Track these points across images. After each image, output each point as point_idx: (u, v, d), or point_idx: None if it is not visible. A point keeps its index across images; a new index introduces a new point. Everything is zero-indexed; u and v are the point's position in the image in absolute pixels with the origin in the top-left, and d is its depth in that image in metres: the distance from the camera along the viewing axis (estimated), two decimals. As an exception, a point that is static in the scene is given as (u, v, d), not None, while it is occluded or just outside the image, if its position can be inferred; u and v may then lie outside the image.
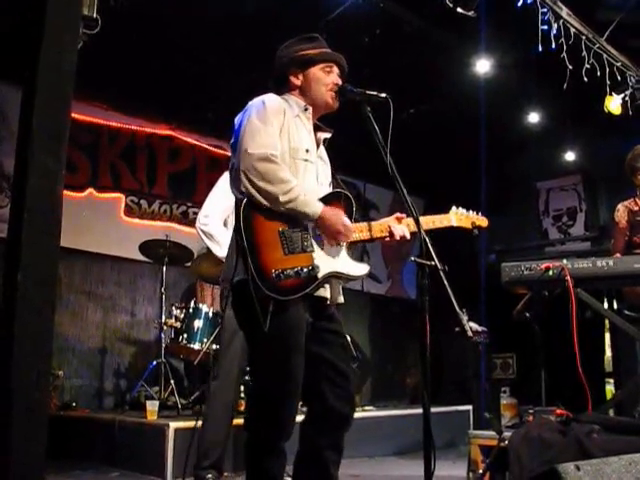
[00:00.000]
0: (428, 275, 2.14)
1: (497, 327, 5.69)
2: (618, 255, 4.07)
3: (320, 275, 2.19)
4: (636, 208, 4.34)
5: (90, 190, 5.82)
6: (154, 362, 5.02)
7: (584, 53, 4.76)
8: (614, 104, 5.24)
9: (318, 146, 2.44)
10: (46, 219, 1.99)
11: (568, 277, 3.46)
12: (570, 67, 4.63)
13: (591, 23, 4.89)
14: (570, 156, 7.12)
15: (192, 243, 5.15)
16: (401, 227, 2.38)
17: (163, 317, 5.02)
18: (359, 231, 2.34)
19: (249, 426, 2.24)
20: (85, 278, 5.78)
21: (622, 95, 5.27)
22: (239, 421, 3.51)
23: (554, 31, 4.48)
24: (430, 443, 2.03)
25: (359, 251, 7.13)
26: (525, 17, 4.42)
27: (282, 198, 2.13)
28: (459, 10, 4.19)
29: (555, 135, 6.77)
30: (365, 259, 7.58)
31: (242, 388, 4.45)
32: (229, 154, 2.34)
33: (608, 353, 5.77)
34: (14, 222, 1.98)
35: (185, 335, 4.85)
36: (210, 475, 3.27)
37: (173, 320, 4.96)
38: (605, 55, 4.97)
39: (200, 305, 4.96)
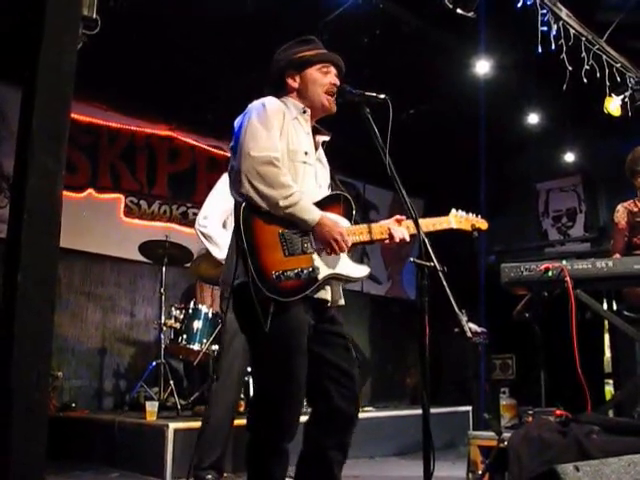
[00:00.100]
0: (428, 276, 2.14)
1: (497, 328, 5.69)
2: (617, 256, 4.07)
3: (320, 277, 2.18)
4: (636, 209, 4.34)
5: (90, 191, 5.82)
6: (153, 363, 5.02)
7: (584, 54, 4.77)
8: (614, 105, 5.25)
9: (317, 149, 2.44)
10: (46, 220, 1.99)
11: (568, 278, 3.46)
12: (570, 68, 4.63)
13: (591, 24, 4.89)
14: (570, 157, 7.13)
15: (192, 244, 5.15)
16: (401, 229, 2.38)
17: (162, 318, 5.02)
18: (359, 233, 2.33)
19: (251, 427, 2.24)
20: (85, 279, 5.78)
21: (622, 96, 5.27)
22: (239, 422, 3.51)
23: (554, 32, 4.49)
24: (429, 444, 2.03)
25: (359, 252, 7.13)
26: (525, 18, 4.42)
27: (282, 203, 2.13)
28: (459, 11, 4.20)
29: (555, 136, 6.78)
30: (365, 260, 7.58)
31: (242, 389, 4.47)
32: (229, 155, 2.34)
33: (607, 354, 5.77)
34: (14, 223, 1.98)
35: (184, 336, 4.86)
36: (210, 475, 3.27)
37: (172, 321, 4.96)
38: (605, 56, 4.97)
39: (199, 306, 4.97)
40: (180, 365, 5.39)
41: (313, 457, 2.28)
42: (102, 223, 5.83)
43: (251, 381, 4.51)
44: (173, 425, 3.83)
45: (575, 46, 4.69)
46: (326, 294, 2.29)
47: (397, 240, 2.36)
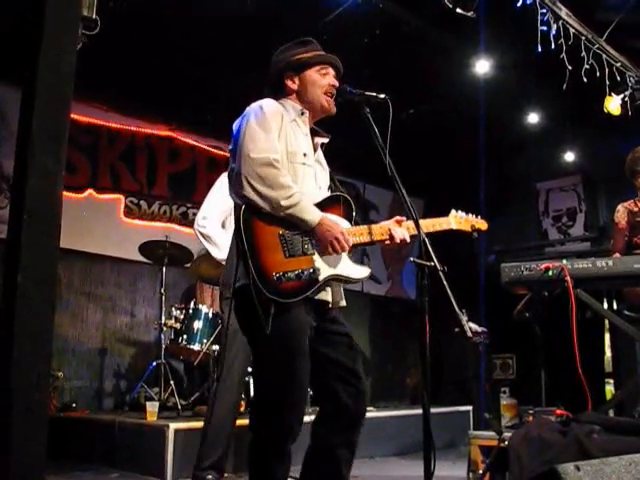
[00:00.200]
0: (428, 276, 2.14)
1: (497, 327, 5.68)
2: (618, 255, 4.07)
3: (321, 278, 2.18)
4: (636, 209, 4.34)
5: (90, 191, 5.82)
6: (154, 363, 5.01)
7: (583, 53, 4.77)
8: (613, 104, 5.25)
9: (315, 150, 2.44)
10: (46, 220, 1.99)
11: (568, 277, 3.46)
12: (569, 67, 4.64)
13: (590, 23, 4.89)
14: (570, 156, 7.12)
15: (192, 244, 5.15)
16: (401, 230, 2.38)
17: (163, 318, 5.02)
18: (359, 234, 2.33)
19: (253, 427, 2.24)
20: (85, 279, 5.78)
21: (621, 95, 5.27)
22: (241, 422, 3.51)
23: (553, 32, 4.49)
24: (430, 444, 2.03)
25: (359, 253, 7.13)
26: (524, 18, 4.42)
27: (283, 203, 2.13)
28: (458, 11, 4.20)
29: (555, 135, 6.77)
30: (365, 260, 7.58)
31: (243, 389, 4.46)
32: (229, 155, 2.34)
33: (608, 353, 5.77)
34: (14, 223, 1.98)
35: (185, 336, 4.86)
36: (210, 476, 3.27)
37: (173, 321, 4.96)
38: (604, 55, 4.97)
39: (200, 306, 4.97)
40: (180, 365, 5.38)
41: (320, 456, 2.28)
42: (102, 223, 5.83)
43: (252, 381, 4.51)
44: (174, 425, 3.82)
45: (575, 45, 4.69)
46: (327, 295, 2.29)
47: (398, 241, 2.36)
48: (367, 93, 2.37)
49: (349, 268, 2.30)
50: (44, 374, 1.93)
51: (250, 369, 3.96)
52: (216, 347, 4.61)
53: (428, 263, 2.14)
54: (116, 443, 4.19)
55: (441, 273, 2.12)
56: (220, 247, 3.82)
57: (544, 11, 4.44)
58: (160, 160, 6.35)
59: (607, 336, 5.66)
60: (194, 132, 6.52)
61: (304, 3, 4.65)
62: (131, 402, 5.12)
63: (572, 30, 4.67)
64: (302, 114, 2.39)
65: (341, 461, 2.25)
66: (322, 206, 2.27)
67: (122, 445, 4.15)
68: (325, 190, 2.44)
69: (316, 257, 2.20)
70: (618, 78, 5.17)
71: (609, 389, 5.58)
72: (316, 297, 2.22)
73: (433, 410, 2.19)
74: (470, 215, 2.68)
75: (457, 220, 2.62)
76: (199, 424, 3.44)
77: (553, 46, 4.51)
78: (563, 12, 4.59)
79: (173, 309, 5.04)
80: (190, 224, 6.01)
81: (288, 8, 4.61)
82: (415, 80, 5.62)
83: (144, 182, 6.22)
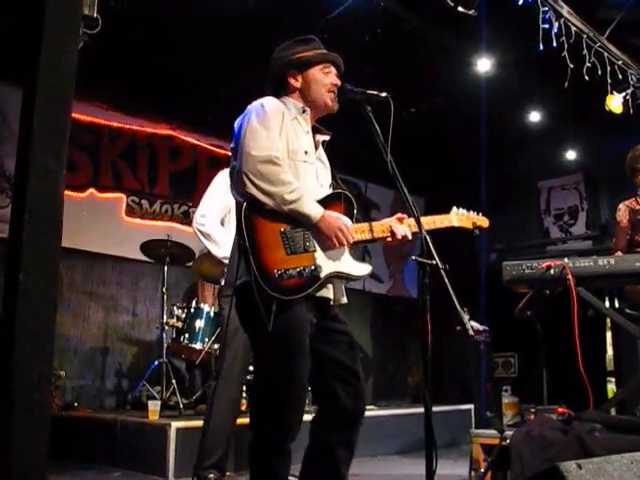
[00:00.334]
0: (429, 274, 2.14)
1: (498, 326, 5.68)
2: (619, 254, 4.07)
3: (322, 275, 2.19)
4: (638, 207, 4.34)
5: (91, 190, 5.83)
6: (156, 362, 5.02)
7: (585, 52, 4.76)
8: (615, 103, 5.24)
9: (317, 148, 2.44)
10: (47, 219, 1.99)
11: (569, 276, 3.45)
12: (571, 66, 4.63)
13: (592, 22, 4.88)
14: (571, 155, 7.12)
15: (193, 243, 5.14)
16: (402, 227, 2.38)
17: (164, 317, 5.02)
18: (360, 232, 2.33)
19: (254, 426, 2.24)
20: (86, 278, 5.79)
21: (623, 94, 5.27)
22: (241, 420, 3.51)
23: (555, 30, 4.48)
24: (432, 442, 2.03)
25: (360, 251, 7.13)
26: (526, 16, 4.41)
27: (287, 197, 2.13)
28: (460, 9, 4.20)
29: (556, 134, 6.77)
30: (367, 259, 7.58)
31: (244, 388, 4.46)
32: (230, 154, 2.34)
33: (610, 352, 5.77)
34: (15, 222, 1.98)
35: (187, 335, 4.86)
36: (212, 475, 3.27)
37: (175, 320, 4.97)
38: (606, 54, 4.97)
39: (201, 305, 4.97)
40: (182, 364, 5.39)
41: (319, 455, 2.28)
42: (104, 223, 5.84)
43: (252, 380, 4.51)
44: (175, 424, 3.83)
45: (576, 43, 4.68)
46: (328, 292, 2.29)
47: (399, 237, 2.36)
48: (368, 92, 2.37)
49: (350, 265, 2.30)
50: (45, 374, 1.93)
51: (252, 368, 3.95)
52: (218, 346, 4.61)
53: (429, 261, 2.14)
54: (118, 442, 4.19)
55: (442, 271, 2.12)
56: (220, 245, 3.81)
57: (546, 9, 4.43)
58: (161, 159, 6.36)
59: (609, 334, 5.66)
60: (195, 131, 6.53)
61: (304, 2, 4.65)
62: (133, 401, 5.13)
63: (573, 28, 4.66)
64: (304, 112, 2.40)
65: (340, 460, 2.25)
66: (323, 203, 2.27)
67: (124, 444, 4.16)
68: (327, 188, 2.43)
69: (317, 254, 2.20)
70: (620, 76, 5.16)
71: (611, 387, 5.59)
72: (318, 294, 2.23)
73: (435, 409, 2.19)
74: (471, 212, 2.68)
75: (458, 217, 2.61)
76: (201, 423, 3.44)
77: (554, 44, 4.50)
78: (564, 10, 4.59)
79: (175, 308, 5.05)
80: (191, 223, 6.01)
81: (288, 8, 4.61)
82: (416, 79, 5.62)
83: (145, 181, 6.23)
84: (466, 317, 2.20)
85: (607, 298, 4.40)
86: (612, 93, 5.20)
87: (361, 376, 2.31)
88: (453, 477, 3.83)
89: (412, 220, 2.33)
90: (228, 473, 3.65)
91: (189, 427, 3.85)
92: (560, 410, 3.09)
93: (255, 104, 2.31)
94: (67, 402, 5.27)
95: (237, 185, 2.18)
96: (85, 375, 5.63)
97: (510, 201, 7.49)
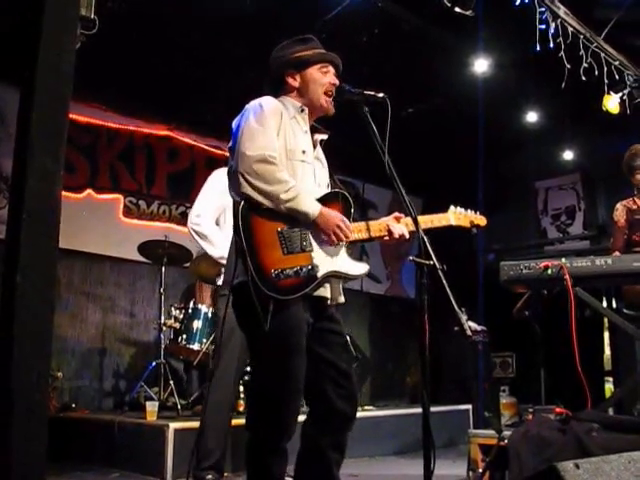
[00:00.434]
0: (427, 274, 2.14)
1: (496, 326, 5.70)
2: (617, 254, 4.08)
3: (320, 274, 2.19)
4: (635, 207, 4.35)
5: (89, 191, 5.82)
6: (153, 363, 5.01)
7: (582, 52, 4.76)
8: (612, 103, 5.25)
9: (315, 147, 2.44)
10: (45, 220, 1.98)
11: (567, 276, 3.46)
12: (568, 66, 4.64)
13: (589, 22, 4.89)
14: (568, 155, 7.12)
15: (191, 244, 5.15)
16: (400, 226, 2.38)
17: (162, 318, 5.02)
18: (358, 231, 2.34)
19: (250, 426, 2.24)
20: (84, 279, 5.78)
21: (620, 94, 5.28)
22: (239, 421, 3.51)
23: (552, 30, 4.49)
24: (430, 442, 2.03)
25: (358, 251, 7.13)
26: (523, 16, 4.42)
27: (282, 196, 2.14)
28: (457, 9, 4.20)
29: (553, 134, 6.77)
30: (364, 259, 7.58)
31: (241, 389, 4.47)
32: (228, 154, 2.34)
33: (607, 351, 5.78)
34: (13, 223, 1.98)
35: (184, 336, 4.86)
36: (210, 476, 3.27)
37: (172, 321, 4.97)
38: (603, 54, 4.97)
39: (199, 305, 4.97)
40: (180, 365, 5.39)
41: (311, 457, 2.28)
42: (101, 223, 5.83)
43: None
44: (173, 425, 3.82)
45: (573, 44, 4.69)
46: (325, 291, 2.29)
47: (396, 236, 2.36)
48: (366, 92, 2.37)
49: (348, 264, 2.31)
50: (44, 374, 1.93)
51: (248, 368, 3.95)
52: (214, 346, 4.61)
53: (427, 262, 2.14)
54: (116, 443, 4.19)
55: (440, 272, 2.12)
56: (215, 245, 3.81)
57: (543, 10, 4.44)
58: (159, 160, 6.35)
59: (606, 334, 5.67)
60: (193, 132, 6.52)
61: (304, 3, 4.65)
62: (131, 402, 5.11)
63: (570, 28, 4.67)
64: (302, 111, 2.40)
65: (331, 462, 2.26)
66: (321, 202, 2.27)
67: (122, 445, 4.15)
68: (324, 187, 2.44)
69: (314, 254, 2.21)
70: (617, 76, 5.17)
71: (608, 387, 5.60)
72: (315, 293, 2.23)
73: (433, 409, 2.19)
74: (469, 211, 2.68)
75: (456, 216, 2.62)
76: (199, 424, 3.44)
77: (552, 45, 4.51)
78: (561, 10, 4.59)
79: (172, 309, 5.05)
80: (189, 224, 6.01)
81: (288, 8, 4.61)
82: (414, 79, 5.62)
83: (143, 182, 6.22)
84: (464, 317, 2.20)
85: (605, 298, 4.40)
86: (609, 93, 5.21)
87: (354, 379, 2.31)
88: (451, 477, 3.83)
89: (409, 219, 2.33)
90: (226, 474, 3.66)
91: (187, 428, 3.85)
92: (558, 410, 3.10)
93: (253, 103, 2.31)
94: (65, 403, 5.26)
95: (234, 185, 2.18)
96: (83, 376, 5.62)
97: (507, 201, 7.50)
